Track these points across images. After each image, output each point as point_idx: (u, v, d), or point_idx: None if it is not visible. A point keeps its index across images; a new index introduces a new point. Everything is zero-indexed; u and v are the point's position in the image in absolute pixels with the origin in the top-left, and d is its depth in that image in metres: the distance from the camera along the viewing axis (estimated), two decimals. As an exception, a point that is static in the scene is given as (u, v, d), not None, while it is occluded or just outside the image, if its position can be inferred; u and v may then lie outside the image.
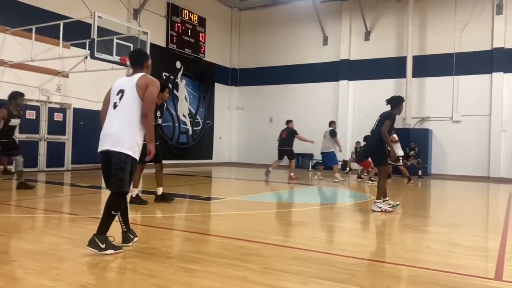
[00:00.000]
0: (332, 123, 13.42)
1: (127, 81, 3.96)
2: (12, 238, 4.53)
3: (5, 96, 11.86)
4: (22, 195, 7.67)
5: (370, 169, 12.65)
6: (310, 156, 19.03)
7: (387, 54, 18.46)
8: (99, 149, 3.89)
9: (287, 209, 7.15)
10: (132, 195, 6.60)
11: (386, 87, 18.34)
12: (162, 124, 7.39)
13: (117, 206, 3.85)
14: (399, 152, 11.87)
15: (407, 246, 4.56)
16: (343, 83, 19.38)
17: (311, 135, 19.83)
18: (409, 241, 4.86)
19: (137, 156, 3.88)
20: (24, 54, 12.00)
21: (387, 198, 7.05)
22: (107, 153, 3.81)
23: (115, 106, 3.88)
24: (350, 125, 19.03)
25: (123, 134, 3.79)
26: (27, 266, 3.40)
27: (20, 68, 12.24)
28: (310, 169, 18.33)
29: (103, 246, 3.70)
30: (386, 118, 6.94)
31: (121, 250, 3.82)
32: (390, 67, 18.27)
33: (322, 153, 13.39)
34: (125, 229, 4.09)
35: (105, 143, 3.83)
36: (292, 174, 12.75)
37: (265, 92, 21.38)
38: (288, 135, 12.84)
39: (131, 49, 12.26)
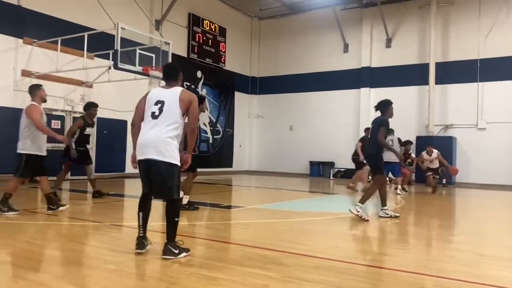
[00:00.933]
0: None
1: (166, 93, 4.09)
2: (39, 245, 4.64)
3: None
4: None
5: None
6: (331, 164, 18.91)
7: (409, 61, 18.25)
8: (141, 157, 3.99)
9: (308, 217, 7.10)
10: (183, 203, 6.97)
11: (409, 95, 18.13)
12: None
13: (177, 212, 4.05)
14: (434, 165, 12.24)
15: (431, 255, 4.48)
16: (364, 90, 19.22)
17: (332, 144, 19.88)
18: (433, 251, 4.76)
19: (179, 163, 4.05)
20: (50, 65, 12.34)
21: (363, 205, 6.67)
22: (150, 161, 3.92)
23: (153, 115, 3.99)
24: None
25: (166, 144, 3.91)
26: (54, 273, 3.48)
27: (46, 79, 12.58)
28: (332, 177, 18.19)
29: (176, 251, 3.95)
30: (380, 125, 6.88)
31: (190, 252, 4.06)
32: (412, 74, 18.04)
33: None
34: (141, 234, 4.15)
35: (148, 152, 3.93)
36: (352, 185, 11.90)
37: (285, 100, 21.39)
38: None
39: (154, 59, 12.49)
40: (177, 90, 4.08)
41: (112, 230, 5.49)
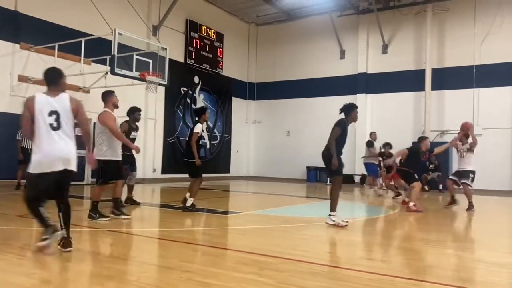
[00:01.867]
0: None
1: (56, 103, 4.37)
2: (34, 252, 4.61)
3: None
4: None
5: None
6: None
7: (405, 67, 18.34)
8: (50, 170, 4.17)
9: (305, 223, 7.09)
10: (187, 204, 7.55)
11: (405, 100, 18.22)
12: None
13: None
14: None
15: (428, 261, 4.47)
16: (361, 96, 19.29)
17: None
18: (429, 257, 4.76)
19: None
20: (47, 71, 12.33)
21: (335, 213, 6.46)
22: (63, 172, 4.27)
23: (53, 127, 4.30)
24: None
25: (75, 156, 4.48)
26: (49, 279, 3.45)
27: (43, 85, 12.54)
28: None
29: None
30: (335, 125, 6.67)
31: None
32: (408, 80, 18.13)
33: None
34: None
35: (59, 165, 4.25)
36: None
37: (282, 106, 21.43)
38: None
39: (151, 65, 12.50)
40: (66, 101, 4.27)
41: (107, 236, 5.45)
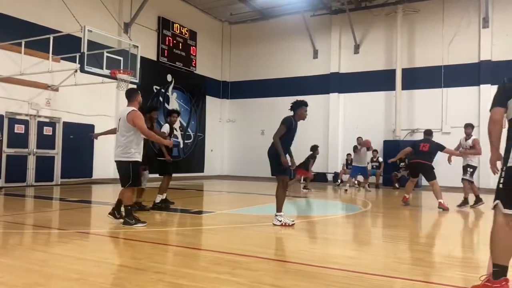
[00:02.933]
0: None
1: None
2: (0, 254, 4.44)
3: (-7, 110, 11.84)
4: (11, 209, 7.54)
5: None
6: (301, 168, 19.05)
7: (377, 67, 18.66)
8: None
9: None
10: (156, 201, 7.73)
11: (376, 100, 18.54)
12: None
13: None
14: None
15: (399, 258, 4.55)
16: (333, 95, 19.52)
17: (302, 148, 19.96)
18: (401, 254, 4.84)
19: None
20: (14, 68, 11.94)
21: (282, 213, 6.37)
22: None
23: None
24: (341, 137, 19.12)
25: None
26: (12, 283, 3.33)
27: (9, 82, 12.16)
28: (302, 181, 18.28)
29: None
30: (281, 123, 6.57)
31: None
32: (379, 80, 18.44)
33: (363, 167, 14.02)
34: None
35: None
36: (441, 201, 9.04)
37: (256, 105, 21.44)
38: (431, 149, 9.69)
39: (122, 62, 12.28)
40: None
41: (77, 237, 5.32)
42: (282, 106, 20.46)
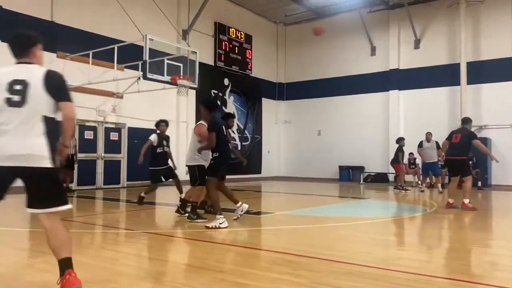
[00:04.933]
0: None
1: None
2: (73, 253, 4.75)
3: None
4: (83, 211, 8.05)
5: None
6: (361, 168, 18.63)
7: (439, 62, 17.83)
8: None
9: (338, 223, 7.00)
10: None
11: (439, 96, 17.72)
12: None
13: None
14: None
15: (469, 261, 4.32)
16: (393, 93, 18.91)
17: (361, 148, 19.60)
18: (471, 257, 4.60)
19: None
20: (82, 78, 12.72)
21: (220, 215, 6.07)
22: None
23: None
24: (402, 136, 18.43)
25: None
26: (86, 280, 3.55)
27: (79, 91, 12.95)
28: (362, 182, 17.91)
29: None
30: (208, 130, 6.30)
31: None
32: (442, 75, 17.61)
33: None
34: None
35: None
36: (467, 201, 8.37)
37: (312, 105, 21.27)
38: (462, 139, 8.57)
39: (181, 68, 12.69)
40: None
41: (144, 237, 5.57)
42: (339, 105, 20.41)
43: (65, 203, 2.99)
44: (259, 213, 8.16)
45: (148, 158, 8.84)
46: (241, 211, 6.58)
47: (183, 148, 16.67)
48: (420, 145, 13.42)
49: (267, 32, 21.78)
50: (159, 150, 8.76)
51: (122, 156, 14.36)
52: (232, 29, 19.32)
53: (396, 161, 13.50)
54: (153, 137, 8.75)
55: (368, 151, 18.41)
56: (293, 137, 22.05)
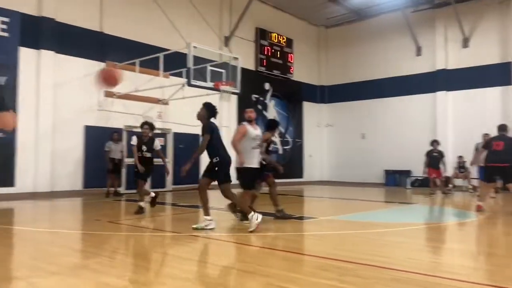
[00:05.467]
0: None
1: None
2: (123, 255, 4.94)
3: (117, 125, 13.19)
4: (131, 214, 8.33)
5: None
6: (408, 172, 18.09)
7: (490, 61, 17.05)
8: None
9: (385, 228, 6.84)
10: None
11: (490, 96, 16.95)
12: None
13: None
14: None
15: (525, 270, 4.10)
16: (440, 94, 18.28)
17: (408, 151, 19.01)
18: (527, 265, 4.36)
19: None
20: (130, 86, 13.19)
21: (207, 217, 6.17)
22: None
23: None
24: (450, 139, 17.75)
25: None
26: (135, 280, 3.68)
27: (127, 99, 13.45)
28: (409, 186, 17.40)
29: None
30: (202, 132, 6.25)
31: None
32: (493, 74, 16.83)
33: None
34: None
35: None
36: None
37: (355, 108, 20.94)
38: (506, 146, 8.54)
39: (224, 74, 12.89)
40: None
41: (190, 240, 5.69)
42: (383, 107, 19.96)
43: None
44: (301, 218, 8.12)
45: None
46: (255, 222, 6.17)
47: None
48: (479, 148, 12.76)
49: (308, 35, 21.69)
50: (138, 154, 8.47)
51: (168, 161, 14.71)
52: (273, 33, 19.39)
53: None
54: (134, 140, 8.57)
55: (415, 154, 17.76)
56: (336, 141, 21.77)
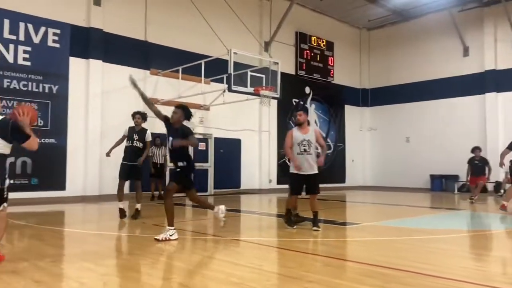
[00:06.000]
0: None
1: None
2: (168, 257, 5.06)
3: (159, 130, 13.54)
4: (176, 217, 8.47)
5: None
6: (455, 177, 17.40)
7: (544, 59, 16.17)
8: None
9: (431, 235, 6.61)
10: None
11: (545, 97, 16.05)
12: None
13: None
14: None
15: None
16: (490, 95, 17.50)
17: (455, 155, 18.26)
18: None
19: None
20: (172, 92, 13.53)
21: (171, 227, 5.82)
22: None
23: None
24: (501, 142, 16.88)
25: None
26: (181, 283, 3.75)
27: (170, 105, 13.72)
28: (456, 191, 16.74)
29: None
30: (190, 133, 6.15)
31: None
32: (548, 74, 15.94)
33: None
34: None
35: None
36: None
37: (399, 111, 20.40)
38: None
39: (264, 79, 12.94)
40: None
41: (231, 244, 5.74)
42: (428, 110, 19.33)
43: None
44: (344, 223, 8.00)
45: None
46: (222, 214, 6.28)
47: (265, 156, 16.97)
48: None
49: (349, 38, 21.41)
50: (127, 143, 8.19)
51: (209, 165, 14.95)
52: (314, 37, 19.28)
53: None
54: (125, 129, 8.36)
55: (462, 158, 17.00)
56: (379, 145, 21.30)
